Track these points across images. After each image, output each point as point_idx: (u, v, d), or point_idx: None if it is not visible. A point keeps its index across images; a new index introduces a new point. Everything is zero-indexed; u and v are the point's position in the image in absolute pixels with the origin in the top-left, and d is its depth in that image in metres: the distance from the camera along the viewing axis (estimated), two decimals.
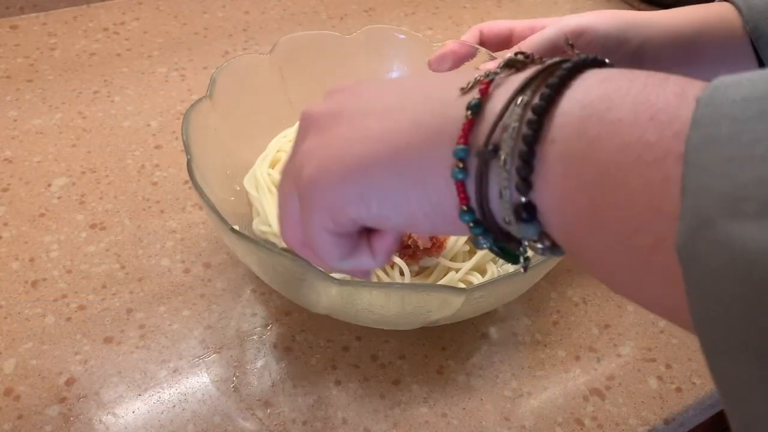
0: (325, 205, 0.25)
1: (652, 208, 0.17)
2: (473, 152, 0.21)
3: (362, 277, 0.30)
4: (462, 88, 0.22)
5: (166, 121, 0.61)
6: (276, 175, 0.48)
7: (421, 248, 0.44)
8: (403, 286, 0.36)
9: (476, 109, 0.21)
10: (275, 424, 0.40)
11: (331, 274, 0.35)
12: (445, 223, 0.23)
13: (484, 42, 0.49)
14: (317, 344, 0.45)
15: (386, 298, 0.36)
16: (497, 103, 0.21)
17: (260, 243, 0.36)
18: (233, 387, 0.42)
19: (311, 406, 0.41)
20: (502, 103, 0.20)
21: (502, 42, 0.50)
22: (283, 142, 0.52)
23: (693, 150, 0.15)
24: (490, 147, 0.20)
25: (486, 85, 0.21)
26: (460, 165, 0.21)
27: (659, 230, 0.17)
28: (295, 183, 0.26)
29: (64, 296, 0.46)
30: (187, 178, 0.52)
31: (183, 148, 0.49)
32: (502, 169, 0.20)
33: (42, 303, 0.45)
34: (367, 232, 0.27)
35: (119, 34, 0.72)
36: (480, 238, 0.22)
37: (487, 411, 0.42)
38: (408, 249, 0.44)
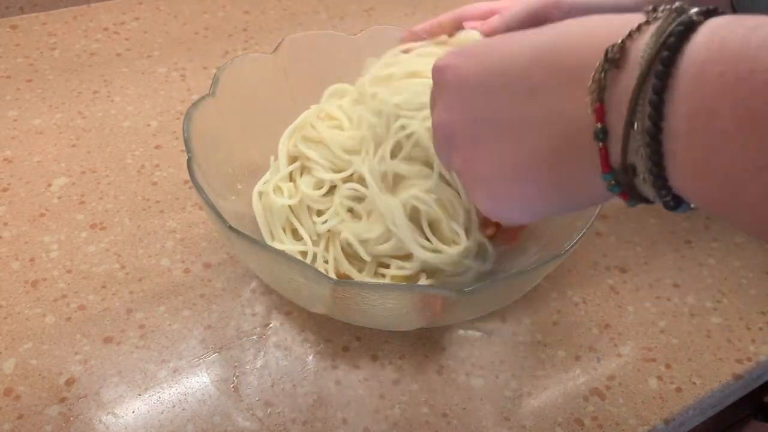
0: (486, 212, 0.32)
1: None
2: (619, 175, 0.24)
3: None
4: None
5: (166, 121, 0.61)
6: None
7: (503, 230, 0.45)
8: (397, 287, 0.36)
9: (604, 137, 0.24)
10: (275, 424, 0.40)
11: (327, 274, 0.35)
12: (589, 204, 0.28)
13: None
14: (317, 344, 0.45)
15: (381, 298, 0.36)
16: (618, 124, 0.23)
17: (260, 243, 0.36)
18: (233, 387, 0.42)
19: (311, 406, 0.41)
20: (623, 126, 0.23)
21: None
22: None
23: None
24: (629, 169, 0.23)
25: (600, 107, 0.24)
26: (613, 183, 0.24)
27: None
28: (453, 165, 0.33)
29: (64, 296, 0.46)
30: (187, 177, 0.52)
31: (183, 148, 0.49)
32: (644, 183, 0.23)
33: (42, 303, 0.45)
34: None
35: (119, 34, 0.72)
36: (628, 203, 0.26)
37: (487, 411, 0.42)
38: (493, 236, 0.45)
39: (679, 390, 0.44)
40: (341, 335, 0.45)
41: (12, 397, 0.40)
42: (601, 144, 0.24)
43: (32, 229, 0.50)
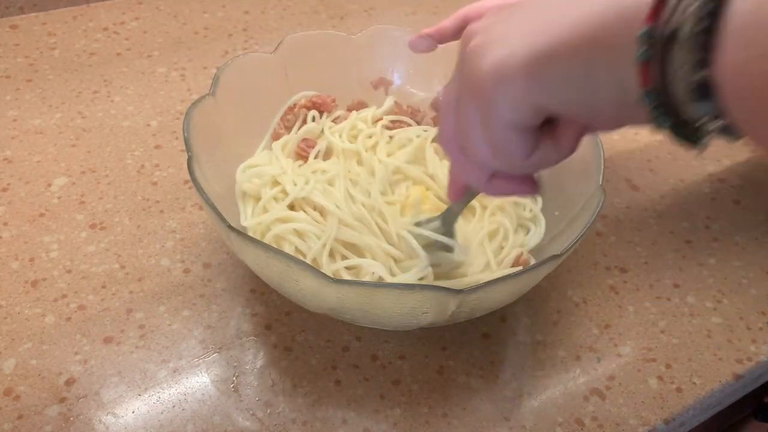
0: (510, 98, 0.26)
1: None
2: (658, 34, 0.21)
3: (530, 189, 0.31)
4: None
5: (166, 121, 0.61)
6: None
7: None
8: (397, 286, 0.36)
9: None
10: (275, 424, 0.40)
11: (327, 273, 0.35)
12: (627, 107, 0.24)
13: None
14: (317, 344, 0.45)
15: (381, 297, 0.36)
16: None
17: (260, 243, 0.36)
18: (233, 387, 0.42)
19: (311, 406, 0.41)
20: None
21: None
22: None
23: None
24: (673, 26, 0.21)
25: None
26: (645, 47, 0.22)
27: None
28: (467, 86, 0.28)
29: (64, 296, 0.46)
30: (187, 177, 0.52)
31: (183, 148, 0.49)
32: (684, 46, 0.21)
33: (42, 303, 0.45)
34: (548, 127, 0.28)
35: (119, 34, 0.72)
36: (661, 118, 0.23)
37: (487, 411, 0.42)
38: None
39: (679, 390, 0.44)
40: (341, 335, 0.45)
41: (12, 397, 0.40)
42: None
43: (32, 229, 0.50)
